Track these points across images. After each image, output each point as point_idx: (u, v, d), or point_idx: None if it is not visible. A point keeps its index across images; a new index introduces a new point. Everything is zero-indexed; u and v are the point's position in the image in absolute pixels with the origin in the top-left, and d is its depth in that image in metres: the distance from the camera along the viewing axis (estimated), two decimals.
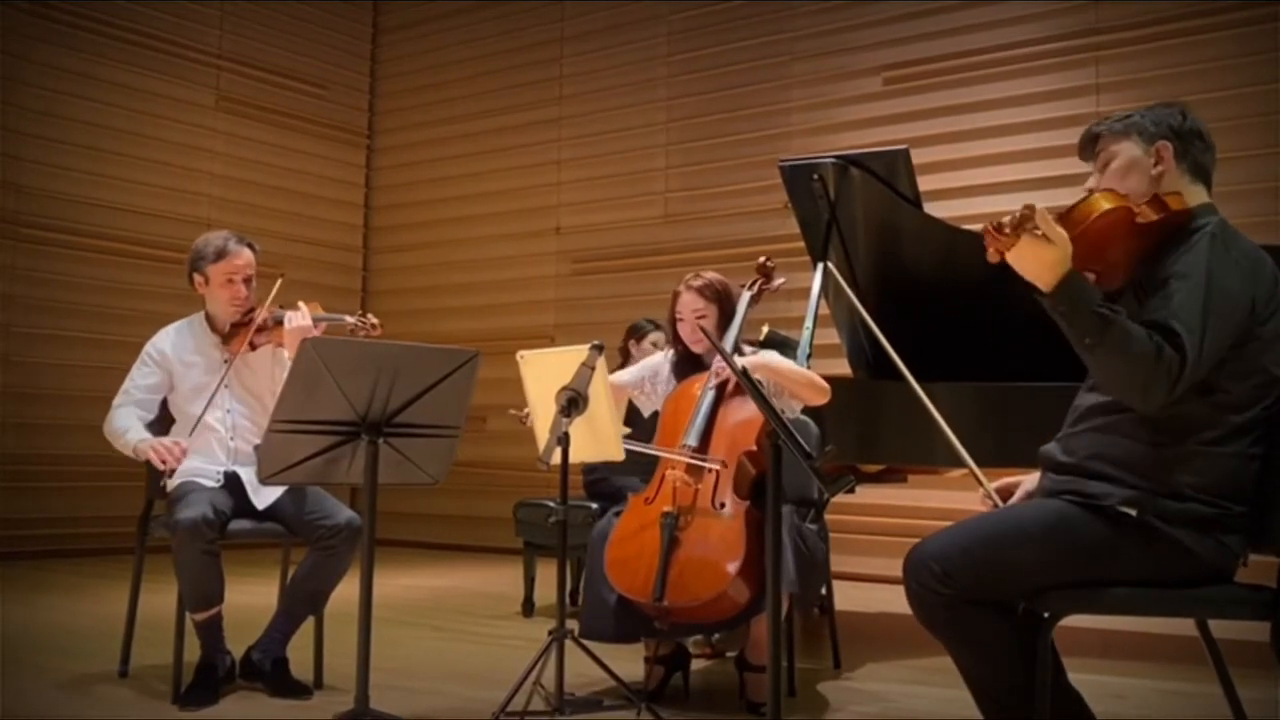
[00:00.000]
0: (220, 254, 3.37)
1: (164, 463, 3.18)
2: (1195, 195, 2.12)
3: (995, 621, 2.04)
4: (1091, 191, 2.12)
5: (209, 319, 3.47)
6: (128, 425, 3.30)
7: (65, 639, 4.13)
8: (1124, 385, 1.98)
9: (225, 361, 3.41)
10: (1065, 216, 2.05)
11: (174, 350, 3.42)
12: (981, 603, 2.03)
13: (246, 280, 3.41)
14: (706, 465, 3.03)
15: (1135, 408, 1.99)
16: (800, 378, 3.21)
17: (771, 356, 3.30)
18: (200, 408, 3.33)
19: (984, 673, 2.09)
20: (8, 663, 3.60)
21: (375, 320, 3.42)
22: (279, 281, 3.41)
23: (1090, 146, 2.20)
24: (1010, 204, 2.13)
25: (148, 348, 3.44)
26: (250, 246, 3.44)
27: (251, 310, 3.43)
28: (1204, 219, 2.07)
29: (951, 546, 2.05)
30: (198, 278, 3.42)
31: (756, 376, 3.32)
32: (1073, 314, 1.96)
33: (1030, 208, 1.95)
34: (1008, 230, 1.95)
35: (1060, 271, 1.96)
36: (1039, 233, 1.94)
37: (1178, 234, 2.06)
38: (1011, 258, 1.99)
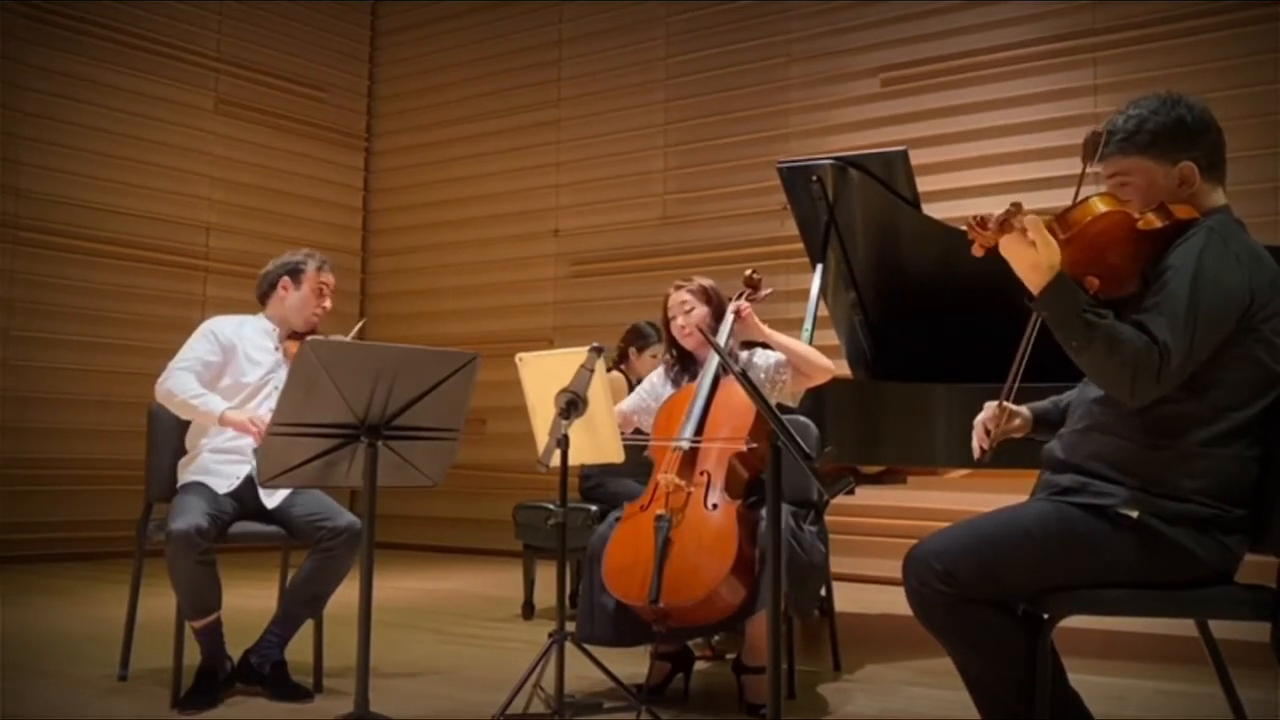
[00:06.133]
0: (322, 266, 3.58)
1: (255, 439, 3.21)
2: (1215, 198, 2.10)
3: (995, 621, 2.04)
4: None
5: (271, 322, 3.54)
6: (202, 391, 3.30)
7: (64, 643, 4.12)
8: (1111, 383, 1.98)
9: (284, 362, 3.44)
10: (1061, 219, 2.04)
11: (237, 339, 3.44)
12: (982, 602, 2.02)
13: (329, 297, 3.61)
14: (744, 446, 3.03)
15: (1124, 401, 1.99)
16: (810, 353, 3.35)
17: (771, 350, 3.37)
18: (235, 401, 3.34)
19: (983, 673, 2.08)
20: (7, 666, 3.59)
21: None
22: (362, 321, 3.53)
23: (1093, 152, 2.14)
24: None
25: (208, 327, 3.45)
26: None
27: (315, 330, 3.55)
28: (1210, 219, 2.05)
29: (953, 545, 2.05)
30: (287, 279, 3.52)
31: (760, 359, 3.36)
32: (1057, 318, 1.97)
33: (1016, 205, 1.95)
34: (990, 226, 1.96)
35: (1047, 275, 1.96)
36: (1028, 237, 1.94)
37: (1183, 230, 2.05)
38: (1004, 254, 1.99)
